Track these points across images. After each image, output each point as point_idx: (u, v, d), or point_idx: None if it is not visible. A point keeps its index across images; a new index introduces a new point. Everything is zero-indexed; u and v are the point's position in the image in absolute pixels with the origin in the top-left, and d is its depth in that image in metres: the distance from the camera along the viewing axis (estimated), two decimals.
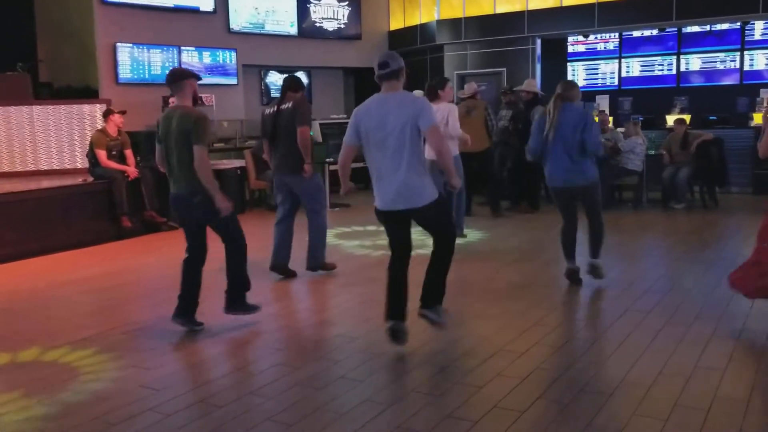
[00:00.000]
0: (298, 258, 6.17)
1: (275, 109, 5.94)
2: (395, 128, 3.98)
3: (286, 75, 6.42)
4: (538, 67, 12.20)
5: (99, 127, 8.89)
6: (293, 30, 12.57)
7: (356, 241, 7.84)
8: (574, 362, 3.98)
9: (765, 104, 4.52)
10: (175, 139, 4.48)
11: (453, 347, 4.26)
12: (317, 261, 6.13)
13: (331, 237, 7.99)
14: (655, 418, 3.22)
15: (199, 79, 4.73)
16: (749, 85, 11.74)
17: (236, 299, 4.79)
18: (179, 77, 4.60)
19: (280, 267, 6.08)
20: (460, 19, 12.47)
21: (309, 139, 5.89)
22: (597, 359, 4.00)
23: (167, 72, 4.74)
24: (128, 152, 8.52)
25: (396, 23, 13.86)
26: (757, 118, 10.59)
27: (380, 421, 3.28)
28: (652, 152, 9.98)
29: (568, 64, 13.59)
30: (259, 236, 8.42)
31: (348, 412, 3.40)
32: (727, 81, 12.15)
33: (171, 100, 8.77)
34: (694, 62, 12.45)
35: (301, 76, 13.28)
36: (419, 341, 4.38)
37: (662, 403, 3.38)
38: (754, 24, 11.75)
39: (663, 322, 4.62)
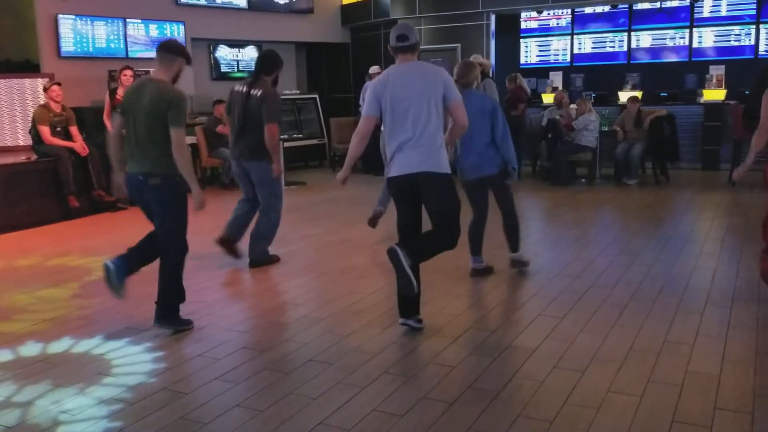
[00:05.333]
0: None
1: (245, 90, 5.57)
2: (419, 97, 3.89)
3: (264, 50, 6.00)
4: (493, 43, 12.16)
5: (41, 102, 8.48)
6: (243, 3, 12.21)
7: (314, 220, 7.71)
8: (544, 339, 3.96)
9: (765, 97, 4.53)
10: (146, 115, 4.07)
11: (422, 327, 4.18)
12: (259, 256, 5.76)
13: (288, 216, 7.85)
14: (630, 394, 3.23)
15: (190, 64, 4.36)
16: (697, 62, 11.96)
17: (167, 312, 4.24)
18: (176, 51, 4.21)
19: (226, 241, 5.80)
20: None
21: (277, 137, 5.52)
22: (567, 336, 3.99)
23: (166, 40, 4.38)
24: (73, 129, 8.15)
25: None
26: (707, 95, 10.80)
27: (354, 405, 3.20)
28: (605, 129, 10.08)
29: (521, 40, 13.61)
30: (211, 216, 8.22)
31: (320, 396, 3.30)
32: (676, 58, 12.34)
33: (125, 72, 8.42)
34: (644, 39, 12.60)
35: (252, 50, 12.99)
36: (387, 321, 4.30)
37: (636, 379, 3.39)
38: (702, 1, 11.94)
39: (627, 298, 4.66)
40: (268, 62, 5.69)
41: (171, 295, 4.24)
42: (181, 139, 4.08)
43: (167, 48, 4.24)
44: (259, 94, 5.51)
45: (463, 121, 4.02)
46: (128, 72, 8.38)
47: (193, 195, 4.18)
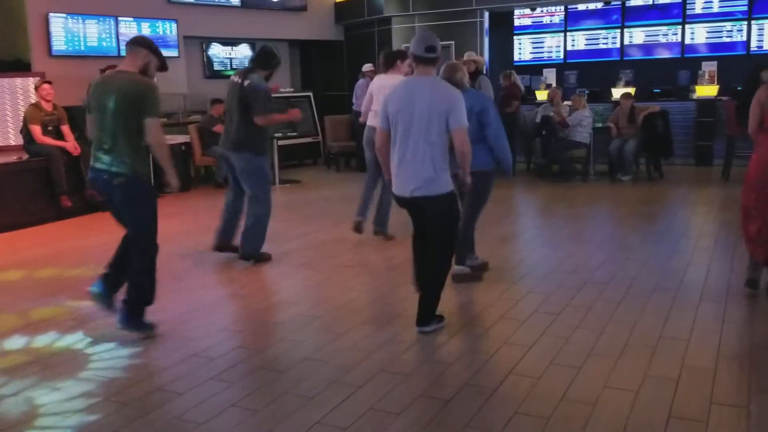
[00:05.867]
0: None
1: (239, 80, 5.59)
2: (423, 114, 3.83)
3: (265, 46, 6.01)
4: (486, 40, 12.16)
5: (33, 101, 8.42)
6: (236, 0, 12.16)
7: (309, 219, 7.69)
8: (540, 335, 3.96)
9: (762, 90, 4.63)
10: (114, 108, 3.91)
11: None
12: (251, 250, 5.72)
13: (282, 214, 7.83)
14: (626, 390, 3.23)
15: (161, 64, 4.13)
16: (690, 58, 11.97)
17: (131, 313, 4.09)
18: (142, 44, 4.08)
19: (221, 247, 5.87)
20: None
21: (269, 120, 5.63)
22: (563, 332, 3.99)
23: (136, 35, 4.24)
24: (65, 128, 8.10)
25: None
26: (699, 91, 10.82)
27: (351, 404, 3.19)
28: (599, 125, 10.09)
29: (515, 37, 13.59)
30: (205, 214, 8.21)
31: (316, 395, 3.29)
32: (669, 54, 12.35)
33: (109, 71, 8.37)
34: (637, 35, 12.61)
35: (245, 48, 12.95)
36: (383, 319, 4.30)
37: (632, 374, 3.39)
38: None
39: (623, 294, 4.66)
40: (266, 58, 5.71)
41: (140, 296, 4.11)
42: (157, 128, 3.99)
43: (134, 41, 4.13)
44: (247, 84, 5.53)
45: (460, 147, 3.89)
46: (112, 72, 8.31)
47: (167, 177, 4.14)
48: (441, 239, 4.03)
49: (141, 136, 3.98)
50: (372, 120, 6.30)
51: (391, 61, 6.43)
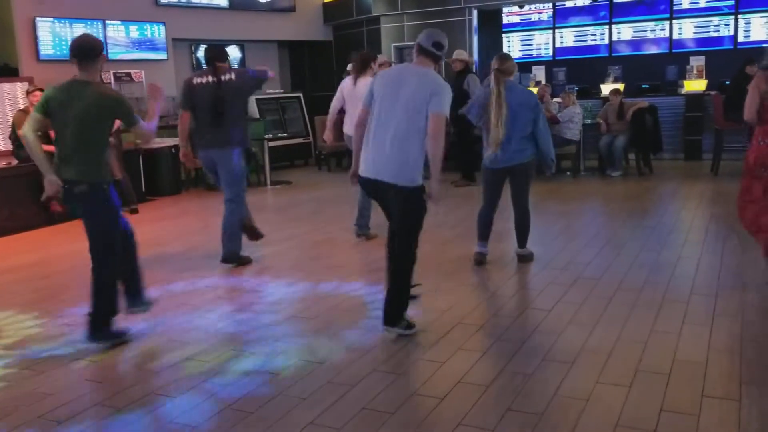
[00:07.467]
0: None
1: (213, 80, 5.47)
2: (408, 99, 3.78)
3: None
4: (475, 38, 12.18)
5: (21, 107, 8.38)
6: (224, 2, 12.14)
7: (300, 220, 7.68)
8: (532, 332, 3.98)
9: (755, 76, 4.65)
10: (80, 120, 3.87)
11: None
12: (232, 252, 5.69)
13: (273, 215, 7.83)
14: (618, 384, 3.24)
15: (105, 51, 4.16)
16: (678, 53, 12.04)
17: (100, 326, 4.01)
18: (99, 51, 3.96)
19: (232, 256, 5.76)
20: None
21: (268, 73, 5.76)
22: (555, 328, 4.00)
23: (76, 42, 3.97)
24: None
25: None
26: (688, 86, 10.87)
27: (344, 404, 3.19)
28: (589, 122, 10.12)
29: (503, 35, 13.63)
30: (195, 216, 8.20)
31: (309, 396, 3.29)
32: (657, 50, 12.42)
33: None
34: (625, 32, 12.67)
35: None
36: (375, 319, 4.30)
37: (624, 369, 3.41)
38: None
39: (614, 289, 4.68)
40: (218, 52, 5.66)
41: (108, 307, 4.04)
42: (143, 126, 4.06)
43: (85, 53, 3.95)
44: (232, 77, 5.49)
45: (431, 129, 3.74)
46: None
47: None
48: (405, 234, 3.94)
49: (101, 147, 4.07)
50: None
51: (366, 64, 6.50)
